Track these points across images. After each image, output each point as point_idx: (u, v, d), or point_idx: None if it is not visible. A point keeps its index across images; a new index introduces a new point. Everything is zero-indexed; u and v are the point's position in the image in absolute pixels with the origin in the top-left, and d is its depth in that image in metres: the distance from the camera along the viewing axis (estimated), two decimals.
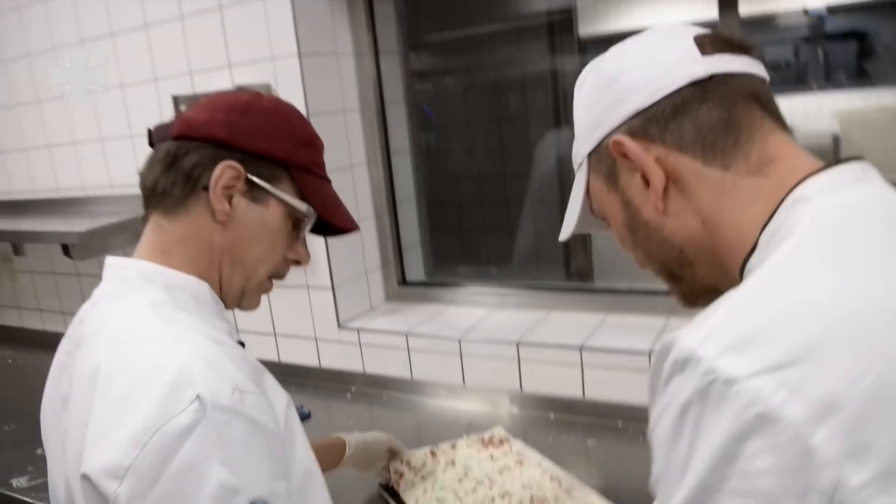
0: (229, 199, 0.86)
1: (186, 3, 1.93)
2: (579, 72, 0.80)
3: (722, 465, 0.49)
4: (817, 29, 2.51)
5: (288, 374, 1.93)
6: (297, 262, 0.97)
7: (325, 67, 1.88)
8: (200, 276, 0.87)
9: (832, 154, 2.11)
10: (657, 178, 0.68)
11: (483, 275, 3.11)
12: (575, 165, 0.81)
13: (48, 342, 2.44)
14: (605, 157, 0.74)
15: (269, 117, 0.89)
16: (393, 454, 1.38)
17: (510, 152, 3.22)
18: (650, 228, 0.72)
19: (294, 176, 0.90)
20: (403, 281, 2.17)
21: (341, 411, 1.81)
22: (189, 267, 0.86)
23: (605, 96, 0.72)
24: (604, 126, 0.72)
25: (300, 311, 1.98)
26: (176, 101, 2.00)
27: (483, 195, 3.31)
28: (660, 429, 0.55)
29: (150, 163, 0.88)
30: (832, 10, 2.45)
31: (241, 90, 0.92)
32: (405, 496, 1.33)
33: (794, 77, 2.60)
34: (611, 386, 1.65)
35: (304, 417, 1.73)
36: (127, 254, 0.89)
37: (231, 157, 0.85)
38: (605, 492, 1.30)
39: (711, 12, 1.65)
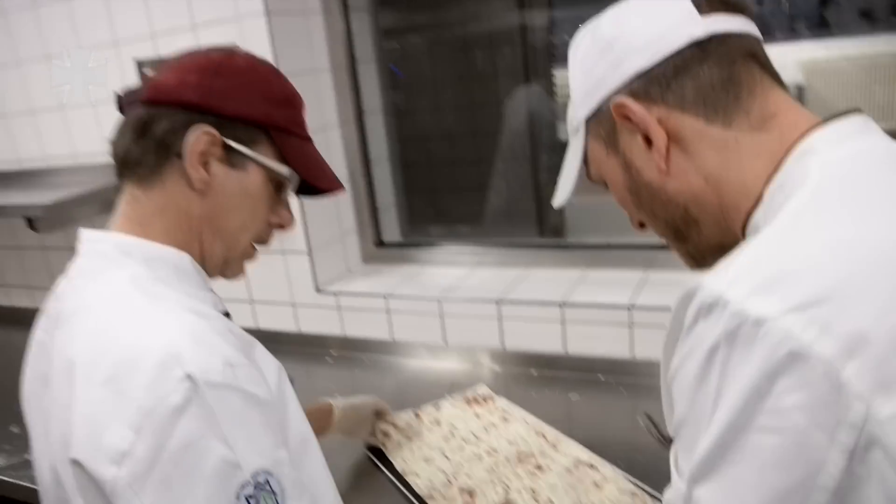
0: (206, 165, 0.82)
1: None
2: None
3: (752, 404, 0.50)
4: None
5: (266, 341, 1.86)
6: (281, 227, 0.94)
7: (294, 26, 1.83)
8: (180, 247, 0.83)
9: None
10: (660, 138, 0.68)
11: (458, 234, 3.10)
12: (570, 131, 0.80)
13: (16, 318, 2.39)
14: (605, 121, 0.74)
15: (244, 77, 0.85)
16: (378, 415, 1.38)
17: (480, 110, 3.19)
18: (653, 190, 0.72)
19: (273, 138, 0.87)
20: (380, 243, 2.15)
21: (322, 376, 1.80)
22: (168, 238, 0.83)
23: (603, 59, 0.72)
24: (603, 89, 0.72)
25: (276, 277, 1.95)
26: (140, 65, 1.93)
27: (454, 154, 3.28)
28: (683, 374, 0.56)
29: (121, 130, 0.84)
30: None
31: (212, 49, 0.88)
32: (392, 457, 1.34)
33: (759, 28, 2.61)
34: (592, 340, 1.66)
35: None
36: (95, 226, 0.86)
37: (205, 121, 0.81)
38: (589, 444, 1.32)
39: None
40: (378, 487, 1.29)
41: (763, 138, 0.65)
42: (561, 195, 0.82)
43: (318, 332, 1.97)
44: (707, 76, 0.67)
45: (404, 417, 1.43)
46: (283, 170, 0.87)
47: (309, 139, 0.93)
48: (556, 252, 1.95)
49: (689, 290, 0.57)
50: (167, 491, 0.65)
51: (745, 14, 0.70)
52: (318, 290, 1.94)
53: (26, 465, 1.35)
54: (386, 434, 1.37)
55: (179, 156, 0.81)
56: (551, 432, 1.38)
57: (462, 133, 3.24)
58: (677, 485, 0.57)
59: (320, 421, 1.23)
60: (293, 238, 1.89)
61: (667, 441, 1.17)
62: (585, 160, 0.78)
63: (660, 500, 1.13)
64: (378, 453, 1.37)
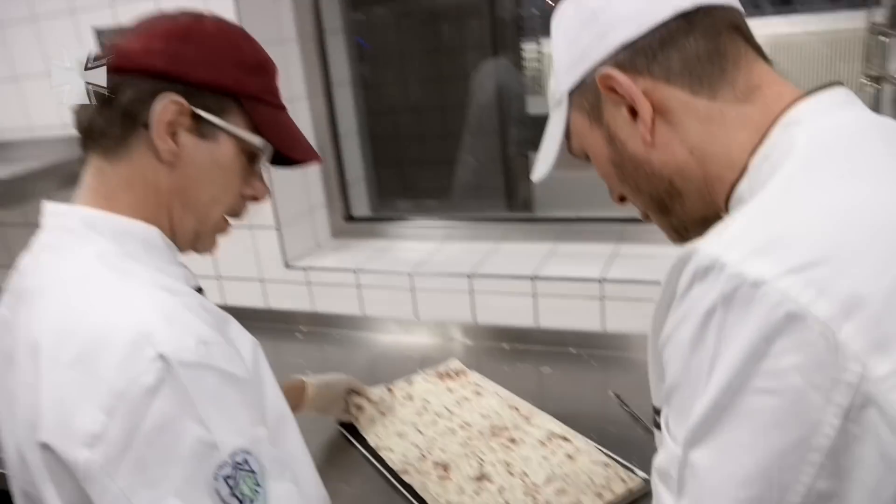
0: (174, 136, 0.79)
1: None
2: None
3: (748, 367, 0.50)
4: None
5: (234, 317, 1.87)
6: (255, 199, 0.91)
7: None
8: (149, 220, 0.80)
9: None
10: (646, 110, 0.68)
11: (426, 208, 3.08)
12: (551, 103, 0.79)
13: None
14: (589, 93, 0.73)
15: (213, 42, 0.81)
16: (351, 392, 1.37)
17: (448, 83, 3.16)
18: (637, 162, 0.72)
19: (245, 106, 0.83)
20: (349, 217, 2.12)
21: (292, 352, 1.78)
22: (136, 212, 0.80)
23: (587, 30, 0.71)
24: (587, 60, 0.71)
25: (244, 252, 1.92)
26: (99, 35, 1.86)
27: (421, 128, 3.25)
28: (677, 339, 0.56)
29: None
30: None
31: (180, 13, 0.84)
32: (365, 433, 1.33)
33: None
34: (563, 314, 1.67)
35: None
36: (53, 201, 0.82)
37: (173, 89, 0.77)
38: (561, 417, 1.32)
39: None
40: (351, 463, 1.28)
41: (748, 110, 0.65)
42: (541, 169, 0.81)
43: (287, 308, 1.95)
44: (693, 48, 0.66)
45: (377, 392, 1.43)
46: (255, 140, 0.84)
47: (283, 107, 0.90)
48: (527, 226, 1.95)
49: (683, 255, 0.57)
50: (142, 473, 0.63)
51: None
52: (286, 265, 1.92)
53: None
54: (359, 408, 1.36)
55: (146, 126, 0.77)
56: (524, 405, 1.38)
57: (430, 107, 3.21)
58: (671, 449, 0.57)
59: (293, 399, 1.21)
60: (261, 213, 1.85)
61: (636, 417, 1.19)
62: (567, 133, 0.77)
63: (632, 471, 1.15)
64: (351, 429, 1.36)
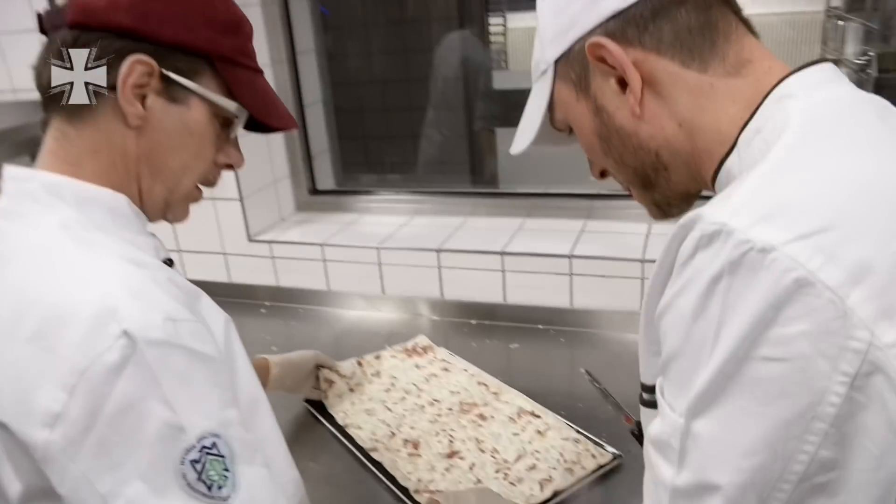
0: (142, 99, 0.74)
1: None
2: None
3: (755, 334, 0.49)
4: None
5: None
6: (230, 167, 0.86)
7: None
8: (116, 188, 0.76)
9: None
10: (636, 81, 0.66)
11: (391, 183, 3.05)
12: (535, 74, 0.77)
13: None
14: (576, 63, 0.71)
15: None
16: (320, 368, 1.34)
17: (413, 56, 3.11)
18: (624, 134, 0.70)
19: (218, 69, 0.78)
20: (314, 190, 2.08)
21: (256, 328, 1.75)
22: (102, 179, 0.75)
23: None
24: (576, 29, 0.69)
25: (206, 225, 1.87)
26: None
27: (386, 101, 3.20)
28: (678, 308, 0.55)
29: (44, 56, 0.75)
30: None
31: None
32: (333, 410, 1.31)
33: None
34: (531, 289, 1.66)
35: None
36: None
37: (140, 49, 0.73)
38: (530, 393, 1.32)
39: None
40: (319, 441, 1.26)
41: (738, 84, 0.65)
42: (522, 142, 0.79)
43: (250, 282, 1.91)
44: (685, 19, 0.65)
45: (347, 366, 1.40)
46: (229, 105, 0.80)
47: (259, 70, 0.85)
48: (494, 201, 1.94)
49: (685, 222, 0.56)
50: (105, 456, 0.60)
51: None
52: (250, 238, 1.87)
53: None
54: (329, 381, 1.34)
55: (113, 88, 0.73)
56: (493, 382, 1.37)
57: (395, 80, 3.16)
58: (671, 419, 0.56)
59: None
60: (223, 184, 1.79)
61: (607, 394, 1.19)
62: (550, 105, 0.75)
63: (602, 446, 1.15)
64: (318, 407, 1.34)
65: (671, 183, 0.72)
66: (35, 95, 0.77)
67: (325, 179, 2.14)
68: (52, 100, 0.74)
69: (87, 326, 0.61)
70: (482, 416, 1.26)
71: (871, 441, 0.48)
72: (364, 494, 1.13)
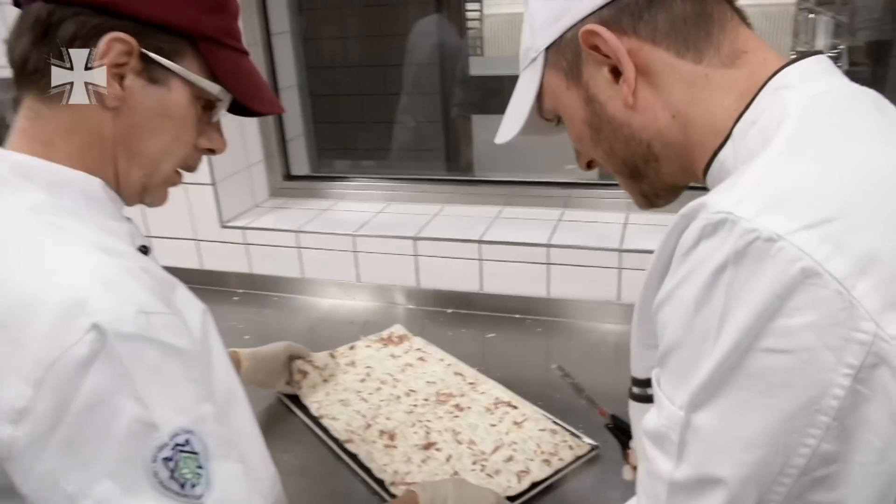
0: (120, 79, 0.70)
1: None
2: None
3: (759, 325, 0.48)
4: None
5: None
6: (212, 152, 0.83)
7: None
8: (91, 171, 0.72)
9: None
10: (630, 71, 0.65)
11: (366, 169, 3.01)
12: (523, 62, 0.75)
13: None
14: (568, 50, 0.69)
15: None
16: (293, 359, 1.32)
17: (389, 41, 3.07)
18: (616, 124, 0.69)
19: (201, 49, 0.75)
20: (289, 175, 2.04)
21: (229, 316, 1.71)
22: (76, 161, 0.71)
23: None
24: (569, 16, 0.68)
25: (177, 210, 1.83)
26: None
27: (361, 85, 3.16)
28: (679, 297, 0.54)
29: (18, 30, 0.71)
30: None
31: None
32: (307, 401, 1.28)
33: None
34: (508, 278, 1.65)
35: None
36: None
37: (119, 26, 0.69)
38: (507, 383, 1.31)
39: None
40: (293, 432, 1.24)
41: (733, 75, 0.64)
42: (509, 131, 0.77)
43: (222, 269, 1.87)
44: (680, 9, 0.64)
45: (321, 357, 1.38)
46: (211, 87, 0.76)
47: (244, 52, 0.82)
48: (472, 188, 1.92)
49: (687, 212, 0.55)
50: (72, 454, 0.57)
51: None
52: (222, 224, 1.84)
53: None
54: (303, 373, 1.32)
55: (89, 66, 0.70)
56: (469, 372, 1.36)
57: (370, 64, 3.12)
58: (670, 412, 0.55)
59: None
60: None
61: (580, 388, 1.18)
62: (539, 93, 0.74)
63: (579, 437, 1.14)
64: (292, 397, 1.31)
65: (661, 174, 0.71)
66: (7, 72, 0.73)
67: (300, 165, 2.11)
68: (25, 76, 0.70)
69: (56, 318, 0.58)
70: (459, 407, 1.25)
71: (873, 434, 0.48)
72: (339, 486, 1.11)
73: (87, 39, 0.68)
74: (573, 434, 1.16)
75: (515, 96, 0.77)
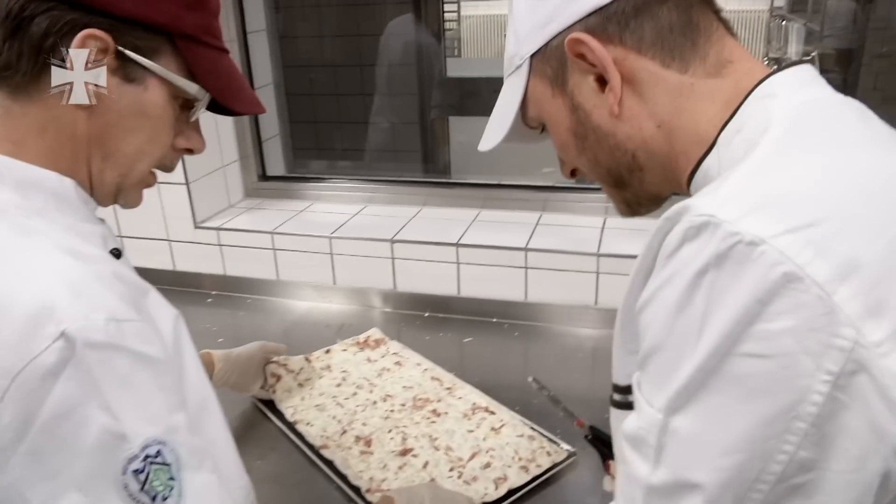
0: None
1: None
2: None
3: (739, 329, 0.48)
4: None
5: None
6: (190, 152, 0.81)
7: None
8: (63, 171, 0.70)
9: None
10: (616, 80, 0.64)
11: (343, 169, 2.99)
12: (508, 68, 0.74)
13: None
14: (553, 58, 0.69)
15: None
16: (269, 363, 1.30)
17: (366, 40, 3.05)
18: (601, 134, 0.68)
19: (179, 47, 0.73)
20: (264, 175, 2.02)
21: (202, 318, 1.69)
22: (47, 161, 0.69)
23: None
24: (555, 24, 0.67)
25: (150, 210, 1.79)
26: None
27: (338, 85, 3.14)
28: (660, 300, 0.53)
29: None
30: None
31: None
32: (282, 406, 1.26)
33: None
34: (486, 282, 1.64)
35: None
36: None
37: (95, 22, 0.67)
38: (484, 388, 1.30)
39: None
40: (267, 438, 1.22)
41: (719, 84, 0.64)
42: (493, 138, 0.76)
43: (196, 270, 1.84)
44: (666, 18, 0.64)
45: (295, 360, 1.36)
46: (189, 87, 0.74)
47: (224, 50, 0.80)
48: (449, 190, 1.91)
49: (671, 214, 0.54)
50: (38, 465, 0.55)
51: None
52: (196, 225, 1.81)
53: None
54: (276, 376, 1.30)
55: (63, 63, 0.67)
56: (447, 377, 1.35)
57: (347, 64, 3.10)
58: (648, 415, 0.54)
59: None
60: None
61: (557, 400, 1.18)
62: (523, 101, 0.73)
63: (557, 443, 1.14)
64: (266, 402, 1.29)
65: (644, 184, 0.70)
66: None
67: (276, 165, 2.08)
68: None
69: (22, 325, 0.56)
70: (436, 413, 1.24)
71: (851, 442, 0.47)
72: (313, 494, 1.10)
73: (61, 36, 0.66)
74: (551, 440, 1.15)
75: (499, 103, 0.76)
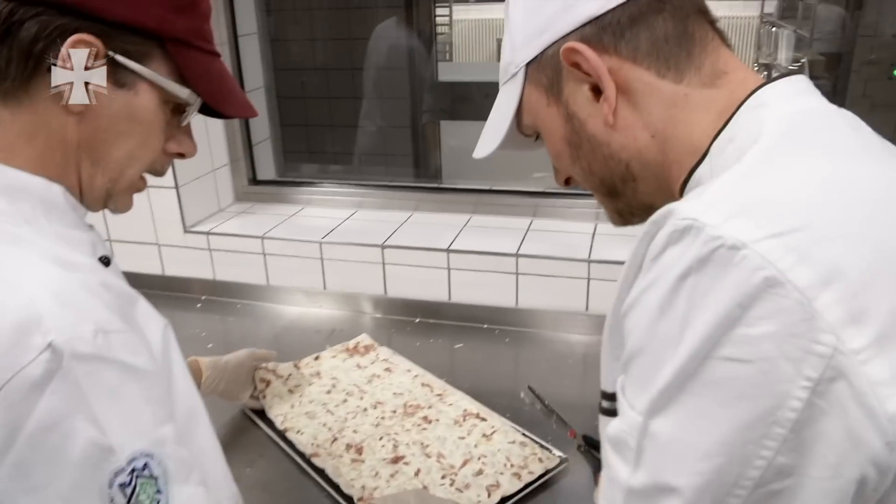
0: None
1: None
2: None
3: (720, 333, 0.48)
4: None
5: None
6: (182, 156, 0.80)
7: None
8: (53, 177, 0.69)
9: None
10: (611, 90, 0.65)
11: (334, 173, 2.98)
12: (504, 76, 0.74)
13: None
14: (548, 67, 0.69)
15: None
16: (258, 369, 1.29)
17: (358, 44, 3.05)
18: (596, 143, 0.69)
19: (170, 51, 0.72)
20: (254, 180, 2.01)
21: (191, 323, 1.67)
22: (37, 167, 0.68)
23: (552, 1, 0.67)
24: (550, 33, 0.67)
25: (140, 214, 1.78)
26: None
27: (329, 89, 3.13)
28: (644, 303, 0.53)
29: None
30: None
31: None
32: (272, 413, 1.25)
33: None
34: (476, 288, 1.64)
35: None
36: None
37: (84, 27, 0.66)
38: (475, 394, 1.30)
39: None
40: (255, 445, 1.21)
41: (713, 94, 0.64)
42: (488, 146, 0.76)
43: (185, 275, 1.83)
44: (662, 28, 0.64)
45: (284, 367, 1.35)
46: (180, 91, 0.74)
47: (215, 53, 0.79)
48: (440, 196, 1.91)
49: (656, 218, 0.54)
50: (23, 478, 0.54)
51: None
52: (186, 229, 1.80)
53: None
54: (265, 381, 1.29)
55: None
56: (437, 383, 1.35)
57: (338, 67, 3.09)
58: (629, 418, 0.54)
59: None
60: None
61: (551, 411, 1.18)
62: (518, 109, 0.73)
63: (549, 449, 1.14)
64: (256, 410, 1.28)
65: (638, 194, 0.70)
66: None
67: (266, 169, 2.07)
68: None
69: (8, 337, 0.55)
70: (427, 419, 1.23)
71: (829, 449, 0.47)
72: (303, 501, 1.09)
73: (50, 41, 0.65)
74: (543, 446, 1.15)
75: (495, 111, 0.76)
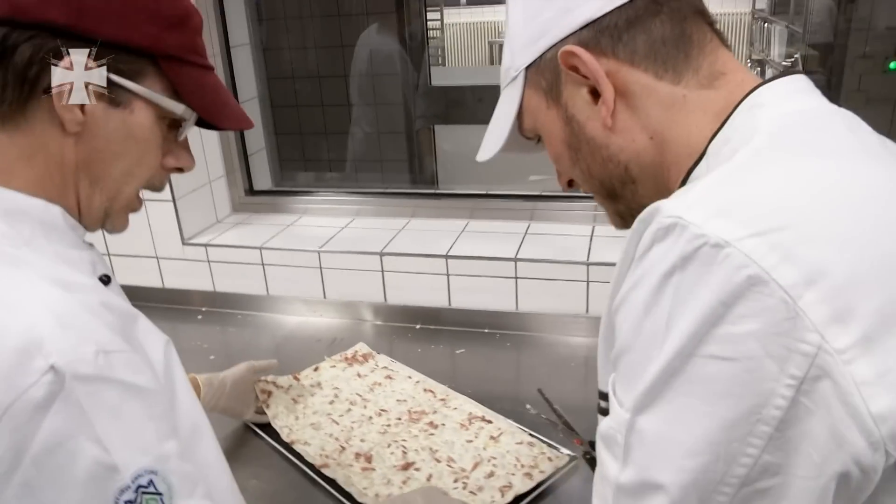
0: (81, 104, 0.68)
1: None
2: None
3: (704, 331, 0.48)
4: None
5: (128, 299, 1.74)
6: (180, 170, 0.81)
7: None
8: (52, 198, 0.69)
9: None
10: (609, 92, 0.65)
11: (330, 181, 2.98)
12: (504, 80, 0.75)
13: None
14: (548, 70, 0.69)
15: None
16: (258, 381, 1.28)
17: (350, 52, 3.06)
18: (595, 146, 0.69)
19: (163, 67, 0.72)
20: (251, 190, 2.01)
21: (192, 335, 1.67)
22: (36, 188, 0.68)
23: (550, 4, 0.67)
24: (548, 37, 0.68)
25: (138, 228, 1.75)
26: None
27: (323, 97, 3.13)
28: (631, 302, 0.54)
29: None
30: None
31: None
32: (277, 424, 1.25)
33: None
34: (476, 293, 1.64)
35: None
36: None
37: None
38: (478, 398, 1.30)
39: None
40: (260, 456, 1.20)
41: (711, 96, 0.64)
42: (490, 149, 0.77)
43: (185, 287, 1.83)
44: (659, 31, 0.64)
45: (284, 379, 1.35)
46: (175, 107, 0.74)
47: (208, 67, 0.79)
48: (437, 201, 1.91)
49: (644, 216, 0.55)
50: (31, 497, 0.54)
51: None
52: (184, 242, 1.79)
53: None
54: (267, 392, 1.28)
55: (48, 91, 0.66)
56: (439, 388, 1.35)
57: (331, 74, 3.09)
58: (618, 415, 0.55)
59: None
60: None
61: (560, 415, 1.18)
62: (519, 112, 0.74)
63: (557, 448, 1.14)
64: (261, 424, 1.27)
65: (637, 196, 0.71)
66: None
67: (263, 179, 2.07)
68: None
69: (11, 359, 0.55)
70: (433, 425, 1.23)
71: (813, 448, 0.47)
72: None
73: (45, 63, 0.65)
74: (551, 446, 1.15)
75: (496, 114, 0.77)
